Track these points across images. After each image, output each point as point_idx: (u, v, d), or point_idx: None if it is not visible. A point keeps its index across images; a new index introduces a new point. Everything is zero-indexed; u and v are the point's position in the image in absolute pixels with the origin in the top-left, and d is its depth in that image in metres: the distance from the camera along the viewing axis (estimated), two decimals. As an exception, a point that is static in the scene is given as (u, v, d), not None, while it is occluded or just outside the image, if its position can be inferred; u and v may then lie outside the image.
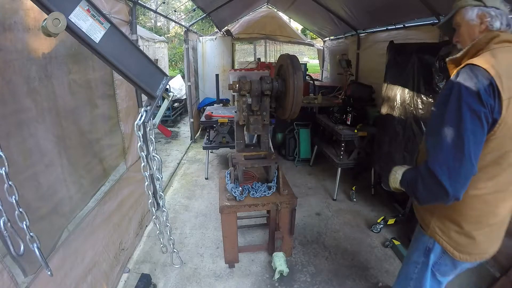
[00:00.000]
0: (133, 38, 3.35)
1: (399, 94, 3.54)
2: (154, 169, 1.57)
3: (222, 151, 6.12)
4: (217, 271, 3.04)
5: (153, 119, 1.50)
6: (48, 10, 1.10)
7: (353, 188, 4.32)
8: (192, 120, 6.93)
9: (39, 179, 1.97)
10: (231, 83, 5.33)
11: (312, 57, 14.12)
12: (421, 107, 3.21)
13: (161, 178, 1.62)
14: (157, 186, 1.64)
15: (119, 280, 2.88)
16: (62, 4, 1.12)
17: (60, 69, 2.14)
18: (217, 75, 6.15)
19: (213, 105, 6.24)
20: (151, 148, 1.53)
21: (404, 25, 4.35)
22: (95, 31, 1.21)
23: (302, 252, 3.29)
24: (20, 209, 1.15)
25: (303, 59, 14.50)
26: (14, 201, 1.12)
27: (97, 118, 2.65)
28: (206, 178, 5.12)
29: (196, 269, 3.06)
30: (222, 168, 5.57)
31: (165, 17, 6.13)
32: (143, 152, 1.48)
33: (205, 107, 6.34)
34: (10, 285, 1.54)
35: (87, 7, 1.18)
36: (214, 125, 4.97)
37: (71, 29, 1.16)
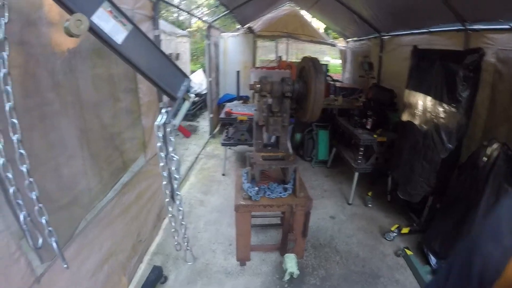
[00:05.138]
0: (155, 33, 3.38)
1: (421, 101, 3.47)
2: (173, 169, 1.58)
3: (240, 148, 6.15)
4: (228, 268, 3.07)
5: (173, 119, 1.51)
6: (70, 11, 1.11)
7: (369, 194, 4.28)
8: (211, 115, 6.99)
9: (60, 171, 2.03)
10: (252, 81, 5.37)
11: (334, 57, 13.88)
12: (442, 116, 3.13)
13: (179, 177, 1.63)
14: (175, 186, 1.65)
15: (136, 271, 2.94)
16: (84, 5, 1.13)
17: (84, 64, 2.18)
18: (238, 72, 6.16)
19: (233, 101, 6.25)
20: (170, 149, 1.54)
21: (428, 30, 4.24)
22: (118, 32, 1.21)
23: (314, 255, 3.29)
24: (40, 205, 1.19)
25: (324, 58, 14.31)
26: (34, 197, 1.16)
27: (119, 112, 2.70)
28: (223, 174, 5.17)
29: (207, 265, 3.11)
30: (239, 164, 5.60)
31: (188, 12, 6.16)
32: (162, 152, 1.49)
33: (225, 103, 6.38)
34: (27, 271, 1.60)
35: (109, 8, 1.18)
36: (233, 123, 4.99)
37: (94, 30, 1.17)
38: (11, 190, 1.10)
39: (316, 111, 2.60)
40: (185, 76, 1.47)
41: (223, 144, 5.05)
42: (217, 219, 3.85)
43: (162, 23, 7.34)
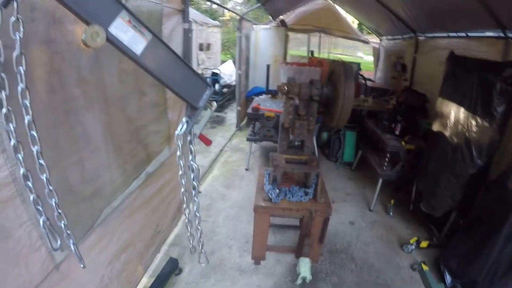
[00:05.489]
0: (185, 27, 3.35)
1: (453, 111, 3.31)
2: (192, 177, 1.58)
3: (266, 143, 6.13)
4: (242, 266, 3.10)
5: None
6: (86, 22, 1.06)
7: (392, 202, 4.16)
8: (239, 108, 7.01)
9: (84, 164, 2.09)
10: (281, 77, 5.29)
11: (367, 53, 13.45)
12: (475, 130, 2.98)
13: (198, 185, 1.62)
14: (193, 193, 1.65)
15: (152, 261, 3.01)
16: (101, 16, 1.08)
17: (111, 59, 2.21)
18: (268, 66, 6.09)
19: (261, 95, 6.20)
20: (190, 157, 1.53)
21: (466, 34, 4.00)
22: (137, 42, 1.16)
23: (329, 260, 3.26)
24: (59, 211, 1.23)
25: (357, 54, 13.98)
26: (54, 204, 1.20)
27: (145, 105, 2.74)
28: (247, 169, 5.18)
29: (222, 260, 3.15)
30: (263, 160, 5.60)
31: (219, 5, 6.14)
32: (182, 160, 1.49)
33: (253, 96, 6.35)
34: (47, 259, 1.69)
35: (128, 18, 1.12)
36: (260, 118, 4.96)
37: (111, 41, 1.12)
38: (31, 197, 1.13)
39: (343, 118, 2.54)
40: (207, 85, 1.43)
41: (248, 139, 5.06)
42: (236, 215, 3.87)
43: (194, 13, 7.38)
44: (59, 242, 1.23)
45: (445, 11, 3.97)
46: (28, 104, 1.05)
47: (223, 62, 10.35)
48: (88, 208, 2.17)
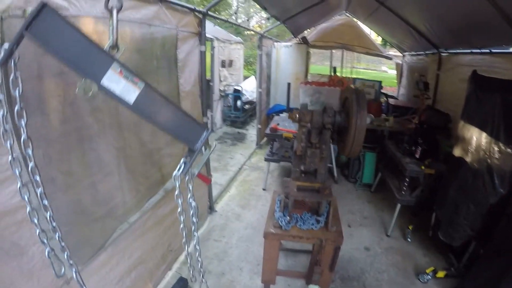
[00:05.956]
0: (201, 49, 3.42)
1: (475, 136, 3.16)
2: (191, 213, 1.61)
3: (285, 162, 6.12)
4: (252, 289, 3.06)
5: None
6: (80, 76, 1.13)
7: (410, 227, 4.01)
8: (259, 126, 7.03)
9: (97, 187, 2.18)
10: (300, 98, 5.28)
11: (391, 67, 13.21)
12: (497, 156, 2.84)
13: (197, 221, 1.66)
14: (192, 227, 1.68)
15: (163, 278, 3.05)
16: (93, 69, 1.13)
17: None
18: (288, 84, 6.04)
19: (282, 113, 6.20)
20: (189, 195, 1.56)
21: (490, 51, 3.87)
22: (129, 92, 1.20)
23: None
24: (63, 244, 1.31)
25: (382, 68, 13.82)
26: (57, 238, 1.29)
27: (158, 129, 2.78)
28: (264, 189, 5.18)
29: (232, 282, 3.15)
30: (282, 179, 5.54)
31: (238, 25, 6.27)
32: (180, 199, 1.52)
33: (274, 114, 6.36)
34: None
35: (119, 69, 1.16)
36: (278, 139, 4.96)
37: (105, 92, 1.17)
38: (37, 231, 1.21)
39: (355, 149, 2.48)
40: (204, 127, 1.47)
41: (266, 159, 5.07)
42: (250, 236, 3.86)
43: (217, 30, 7.50)
44: (63, 269, 1.31)
45: (467, 26, 3.85)
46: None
47: (246, 77, 10.46)
48: (100, 228, 2.26)
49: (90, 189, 2.13)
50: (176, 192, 1.47)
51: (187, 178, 1.50)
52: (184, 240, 1.67)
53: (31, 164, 1.15)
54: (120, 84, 1.17)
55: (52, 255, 1.27)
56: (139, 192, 2.64)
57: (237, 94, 8.67)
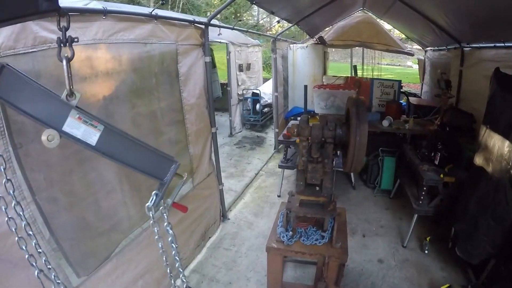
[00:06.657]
0: (206, 60, 3.42)
1: (498, 144, 2.91)
2: (169, 240, 1.65)
3: (301, 167, 6.06)
4: (258, 300, 3.05)
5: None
6: (43, 127, 1.20)
7: (427, 239, 3.79)
8: (277, 130, 6.97)
9: (100, 204, 2.27)
10: (315, 103, 5.17)
11: (416, 62, 12.62)
12: (521, 168, 2.62)
13: (176, 246, 1.69)
14: (176, 257, 1.70)
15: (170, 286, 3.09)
16: (53, 119, 1.21)
17: (123, 106, 2.36)
18: (305, 86, 5.95)
19: (300, 116, 6.10)
20: (165, 224, 1.61)
21: None
22: (90, 135, 1.27)
23: (348, 302, 3.09)
24: (49, 266, 1.41)
25: (407, 63, 13.30)
26: (43, 261, 1.39)
27: (163, 143, 2.85)
28: (279, 196, 5.14)
29: (238, 292, 3.14)
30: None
31: (245, 31, 6.28)
32: (156, 227, 1.56)
33: (291, 118, 6.29)
34: (64, 284, 1.86)
35: (77, 115, 1.24)
36: (292, 145, 4.91)
37: (67, 138, 1.24)
38: (26, 255, 1.30)
39: (356, 166, 2.36)
40: (172, 161, 1.52)
41: (280, 167, 5.04)
42: (260, 246, 3.82)
43: (233, 35, 7.46)
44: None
45: (489, 18, 3.54)
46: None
47: (266, 80, 10.40)
48: (105, 241, 2.34)
49: (93, 206, 2.21)
50: (151, 222, 1.51)
51: (160, 208, 1.54)
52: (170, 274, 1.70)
53: (13, 202, 1.23)
54: (80, 129, 1.25)
55: (41, 276, 1.35)
56: (144, 206, 2.69)
57: (256, 97, 8.67)
